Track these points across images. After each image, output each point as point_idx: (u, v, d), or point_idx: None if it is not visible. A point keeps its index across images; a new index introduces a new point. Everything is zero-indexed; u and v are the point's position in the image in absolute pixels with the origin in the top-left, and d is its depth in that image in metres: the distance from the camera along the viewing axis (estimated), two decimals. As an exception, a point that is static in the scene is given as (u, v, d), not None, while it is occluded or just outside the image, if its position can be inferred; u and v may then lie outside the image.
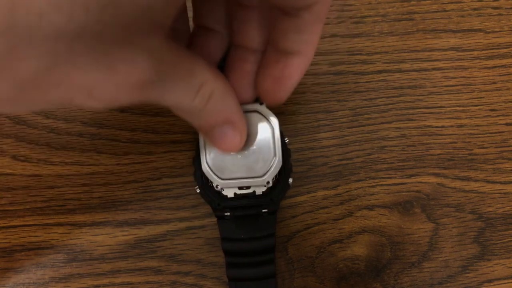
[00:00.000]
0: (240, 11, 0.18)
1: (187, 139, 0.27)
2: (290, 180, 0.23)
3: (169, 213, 0.26)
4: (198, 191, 0.23)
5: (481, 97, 0.27)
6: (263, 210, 0.23)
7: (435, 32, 0.28)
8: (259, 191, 0.23)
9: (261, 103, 0.22)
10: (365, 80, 0.27)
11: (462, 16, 0.28)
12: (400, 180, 0.26)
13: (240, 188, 0.23)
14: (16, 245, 0.26)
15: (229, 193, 0.23)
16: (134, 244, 0.25)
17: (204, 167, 0.22)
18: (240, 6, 0.18)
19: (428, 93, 0.27)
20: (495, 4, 0.28)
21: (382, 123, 0.27)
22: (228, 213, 0.23)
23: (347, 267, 0.25)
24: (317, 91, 0.27)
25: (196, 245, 0.25)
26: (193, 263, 0.25)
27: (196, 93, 0.17)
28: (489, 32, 0.28)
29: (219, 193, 0.23)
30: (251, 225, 0.23)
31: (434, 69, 0.27)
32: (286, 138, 0.24)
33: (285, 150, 0.23)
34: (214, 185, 0.22)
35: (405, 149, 0.26)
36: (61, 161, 0.26)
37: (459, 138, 0.27)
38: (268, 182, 0.22)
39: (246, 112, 0.21)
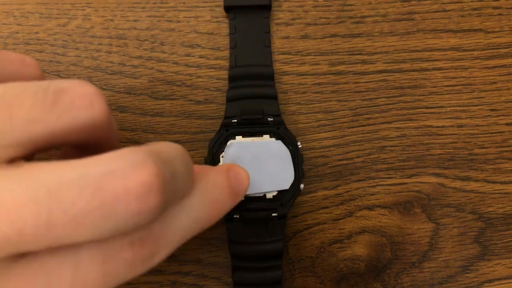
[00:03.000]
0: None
1: (187, 139, 0.26)
2: (302, 185, 0.23)
3: (169, 213, 0.26)
4: None
5: (481, 97, 0.27)
6: (273, 214, 0.23)
7: (435, 32, 0.28)
8: (269, 195, 0.23)
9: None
10: (365, 80, 0.27)
11: (462, 16, 0.28)
12: (400, 180, 0.26)
13: (253, 193, 0.23)
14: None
15: None
16: (134, 244, 0.25)
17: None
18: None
19: (428, 93, 0.27)
20: (495, 4, 0.28)
21: (382, 123, 0.27)
22: (237, 215, 0.23)
23: (347, 267, 0.25)
24: (318, 91, 0.27)
25: (196, 245, 0.25)
26: (193, 263, 0.25)
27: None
28: (489, 32, 0.28)
29: None
30: (260, 229, 0.23)
31: (434, 69, 0.27)
32: (299, 143, 0.24)
33: (297, 157, 0.24)
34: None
35: (406, 149, 0.26)
36: (61, 161, 0.26)
37: (459, 138, 0.27)
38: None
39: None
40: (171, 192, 0.14)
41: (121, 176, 0.13)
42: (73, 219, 0.12)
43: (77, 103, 0.14)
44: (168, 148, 0.16)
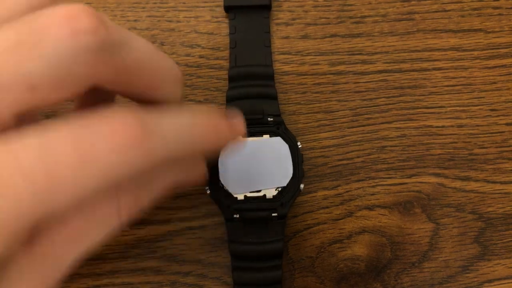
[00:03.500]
0: None
1: (187, 139, 0.27)
2: (302, 185, 0.23)
3: (169, 213, 0.26)
4: (208, 192, 0.23)
5: (481, 97, 0.27)
6: (273, 214, 0.23)
7: (435, 32, 0.28)
8: (269, 195, 0.23)
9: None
10: (365, 80, 0.27)
11: (462, 16, 0.28)
12: (400, 180, 0.26)
13: (251, 191, 0.23)
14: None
15: (240, 195, 0.23)
16: (134, 244, 0.25)
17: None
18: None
19: (428, 93, 0.27)
20: (495, 4, 0.28)
21: (382, 123, 0.27)
22: (237, 215, 0.23)
23: (347, 267, 0.25)
24: (317, 91, 0.27)
25: (196, 245, 0.25)
26: (193, 263, 0.25)
27: None
28: (489, 32, 0.28)
29: (229, 195, 0.23)
30: (260, 229, 0.23)
31: (434, 69, 0.27)
32: (299, 143, 0.24)
33: (297, 157, 0.24)
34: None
35: (406, 149, 0.26)
36: (61, 161, 0.26)
37: (459, 138, 0.27)
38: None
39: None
40: (114, 29, 0.13)
41: (51, 10, 0.13)
42: (11, 50, 0.12)
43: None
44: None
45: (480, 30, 0.28)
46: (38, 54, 0.12)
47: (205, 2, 0.28)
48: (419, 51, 0.28)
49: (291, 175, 0.23)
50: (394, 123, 0.27)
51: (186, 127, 0.16)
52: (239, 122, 0.18)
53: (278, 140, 0.24)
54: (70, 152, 0.12)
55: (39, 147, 0.12)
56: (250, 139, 0.24)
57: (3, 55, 0.12)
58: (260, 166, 0.23)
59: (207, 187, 0.23)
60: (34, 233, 0.13)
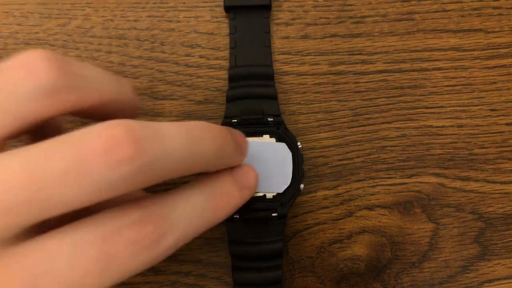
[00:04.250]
0: None
1: (187, 139, 0.26)
2: (302, 185, 0.23)
3: (169, 213, 0.26)
4: None
5: (481, 97, 0.27)
6: (273, 214, 0.23)
7: (435, 32, 0.28)
8: (269, 195, 0.23)
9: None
10: (365, 80, 0.27)
11: (463, 16, 0.28)
12: (400, 180, 0.26)
13: None
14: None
15: None
16: (134, 244, 0.25)
17: None
18: None
19: (428, 93, 0.27)
20: (495, 4, 0.28)
21: (382, 123, 0.27)
22: (237, 215, 0.23)
23: (347, 267, 0.25)
24: (317, 91, 0.27)
25: (196, 245, 0.25)
26: (193, 263, 0.25)
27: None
28: (489, 32, 0.28)
29: None
30: (260, 229, 0.23)
31: (434, 69, 0.27)
32: (299, 143, 0.24)
33: (297, 157, 0.24)
34: None
35: (406, 149, 0.26)
36: (61, 161, 0.26)
37: (459, 138, 0.27)
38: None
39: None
40: (157, 150, 0.14)
41: (96, 134, 0.13)
42: (58, 178, 0.13)
43: (14, 76, 0.14)
44: (169, 125, 0.15)
45: (480, 30, 0.28)
46: (81, 185, 0.13)
47: (205, 2, 0.28)
48: (419, 51, 0.28)
49: (289, 183, 0.23)
50: (394, 123, 0.27)
51: (198, 212, 0.17)
52: (247, 171, 0.20)
53: (282, 145, 0.23)
54: (96, 262, 0.14)
55: (72, 252, 0.13)
56: (251, 139, 0.24)
57: (53, 181, 0.13)
58: (260, 170, 0.23)
59: None
60: None
